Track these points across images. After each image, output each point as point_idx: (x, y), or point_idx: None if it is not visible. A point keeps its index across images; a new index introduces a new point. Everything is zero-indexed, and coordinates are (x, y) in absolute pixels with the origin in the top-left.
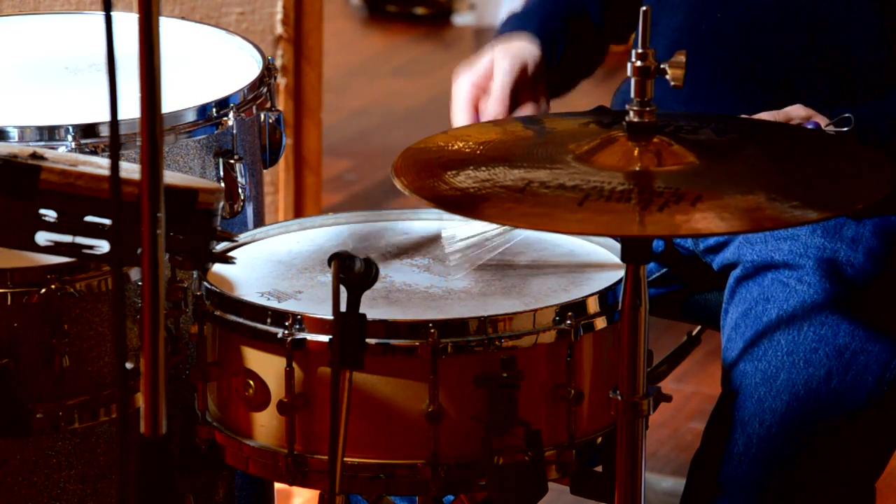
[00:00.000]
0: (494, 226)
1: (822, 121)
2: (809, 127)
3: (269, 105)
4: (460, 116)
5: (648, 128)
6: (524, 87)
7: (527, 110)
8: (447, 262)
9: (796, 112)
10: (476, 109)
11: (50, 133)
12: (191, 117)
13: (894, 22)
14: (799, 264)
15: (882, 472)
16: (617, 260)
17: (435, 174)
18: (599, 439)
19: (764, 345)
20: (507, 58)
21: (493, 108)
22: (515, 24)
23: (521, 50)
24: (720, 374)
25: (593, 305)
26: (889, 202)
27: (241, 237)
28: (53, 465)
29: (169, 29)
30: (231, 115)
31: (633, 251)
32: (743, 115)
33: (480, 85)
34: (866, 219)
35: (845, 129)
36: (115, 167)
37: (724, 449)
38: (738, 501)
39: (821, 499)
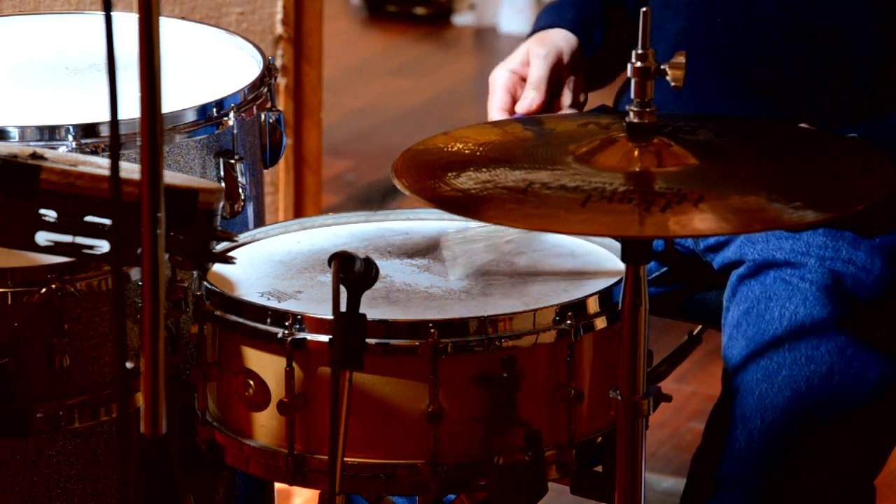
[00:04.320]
0: (500, 233)
1: None
2: None
3: (269, 105)
4: (497, 106)
5: (648, 128)
6: (561, 76)
7: (566, 100)
8: (445, 260)
9: None
10: (513, 98)
11: (50, 133)
12: (191, 117)
13: (892, 23)
14: (801, 262)
15: (882, 469)
16: (617, 260)
17: (435, 175)
18: (599, 439)
19: (765, 342)
20: (543, 47)
21: (531, 96)
22: (550, 17)
23: (556, 40)
24: (720, 374)
25: (593, 305)
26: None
27: (241, 237)
28: (54, 464)
29: (169, 29)
30: (231, 115)
31: (634, 251)
32: None
33: (517, 75)
34: (877, 236)
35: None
36: (115, 167)
37: (725, 445)
38: (740, 497)
39: (821, 495)
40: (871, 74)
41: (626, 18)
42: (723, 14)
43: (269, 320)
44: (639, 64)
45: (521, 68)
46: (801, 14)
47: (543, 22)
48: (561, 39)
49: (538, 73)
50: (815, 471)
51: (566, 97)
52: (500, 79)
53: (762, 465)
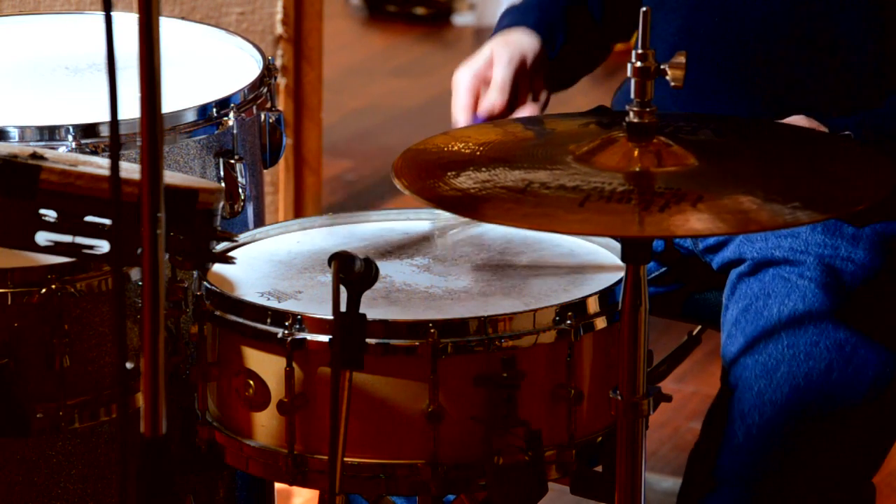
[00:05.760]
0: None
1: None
2: None
3: (269, 105)
4: (461, 106)
5: (648, 128)
6: (524, 78)
7: (527, 106)
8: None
9: (798, 123)
10: (476, 100)
11: (50, 133)
12: (191, 117)
13: (890, 21)
14: (800, 261)
15: (881, 465)
16: (617, 260)
17: (435, 175)
18: (599, 439)
19: (764, 339)
20: (507, 49)
21: (493, 97)
22: (513, 17)
23: (520, 41)
24: (720, 374)
25: (593, 305)
26: (889, 208)
27: (241, 237)
28: (54, 465)
29: (169, 29)
30: (231, 115)
31: (633, 251)
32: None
33: (480, 76)
34: (867, 225)
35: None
36: (115, 167)
37: (723, 441)
38: (737, 493)
39: (820, 490)
40: (868, 71)
41: (589, 21)
42: (720, 13)
43: (269, 320)
44: (639, 64)
45: (485, 69)
46: (797, 12)
47: (506, 22)
48: (525, 41)
49: (502, 76)
50: (814, 467)
51: (528, 102)
52: (463, 81)
53: (760, 461)
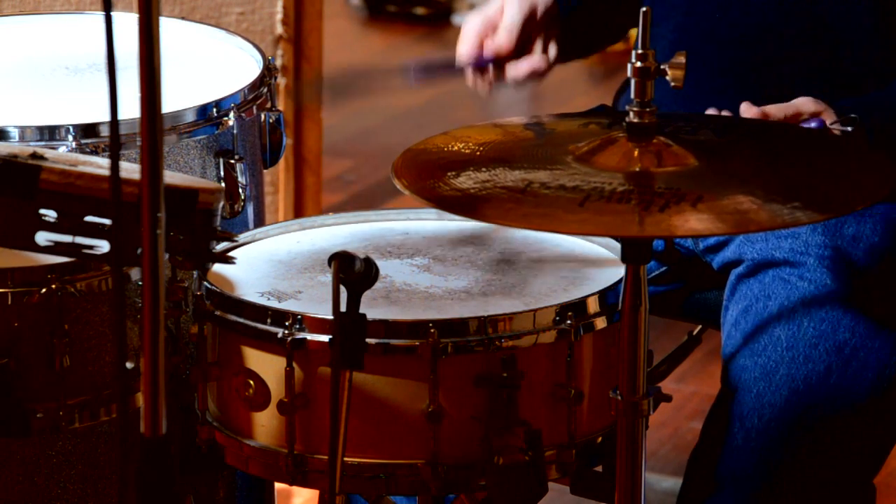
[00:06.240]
0: None
1: (829, 118)
2: (813, 125)
3: (269, 105)
4: (465, 47)
5: (648, 128)
6: (533, 26)
7: (534, 56)
8: None
9: (805, 106)
10: (482, 45)
11: (50, 133)
12: (191, 117)
13: (891, 20)
14: (800, 262)
15: (881, 468)
16: (617, 260)
17: (435, 175)
18: (599, 439)
19: (763, 340)
20: None
21: (500, 38)
22: None
23: None
24: (720, 374)
25: (593, 305)
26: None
27: (241, 237)
28: (54, 465)
29: (169, 29)
30: (231, 115)
31: (634, 251)
32: (747, 103)
33: (490, 21)
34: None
35: (849, 128)
36: (115, 167)
37: (722, 443)
38: (736, 495)
39: (819, 493)
40: (868, 69)
41: None
42: (719, 10)
43: (269, 320)
44: (639, 64)
45: (495, 16)
46: (797, 9)
47: None
48: None
49: (511, 17)
50: (813, 470)
51: (536, 50)
52: (471, 24)
53: (760, 463)
